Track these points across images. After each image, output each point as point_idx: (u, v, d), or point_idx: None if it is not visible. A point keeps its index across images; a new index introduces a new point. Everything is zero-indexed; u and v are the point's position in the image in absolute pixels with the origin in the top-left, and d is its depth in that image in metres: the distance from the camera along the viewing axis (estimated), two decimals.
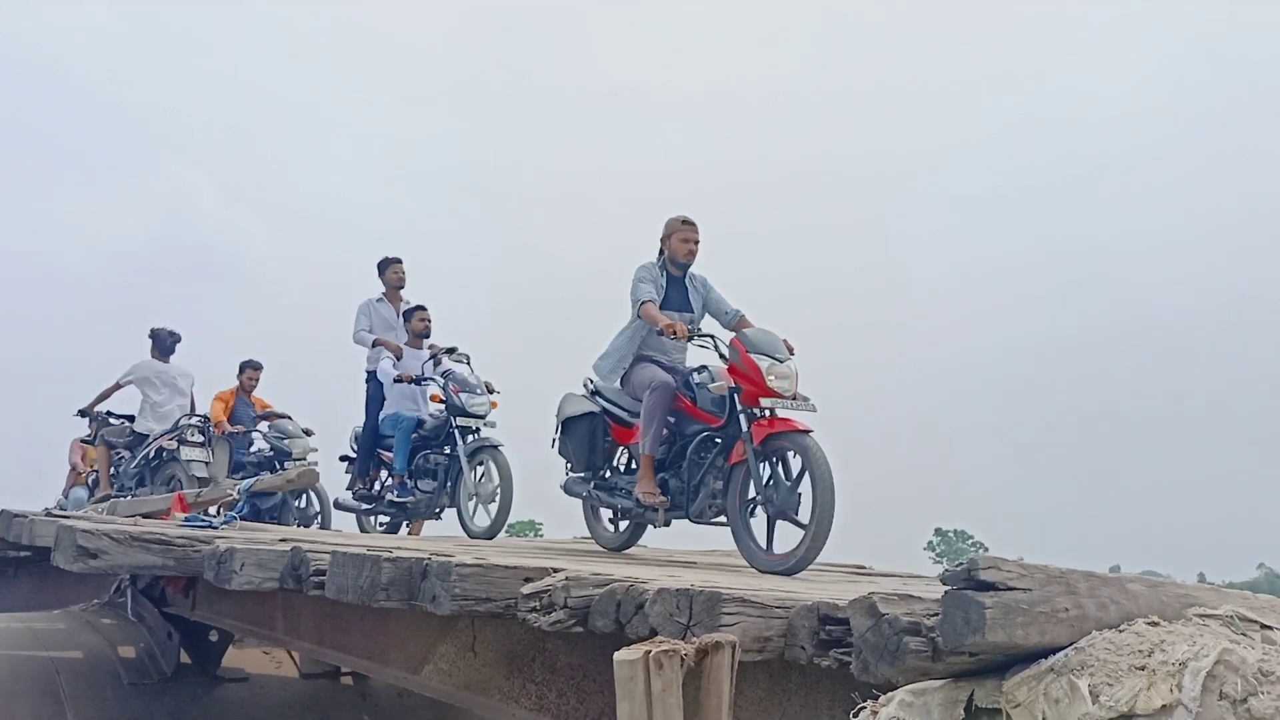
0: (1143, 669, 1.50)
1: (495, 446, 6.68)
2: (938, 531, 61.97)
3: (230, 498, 6.26)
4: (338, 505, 7.99)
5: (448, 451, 6.76)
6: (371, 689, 6.49)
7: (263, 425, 8.76)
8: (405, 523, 7.25)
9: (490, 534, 6.51)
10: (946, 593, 1.56)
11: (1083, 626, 1.60)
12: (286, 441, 8.30)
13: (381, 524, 7.44)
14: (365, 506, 7.33)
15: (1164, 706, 1.43)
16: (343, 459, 7.54)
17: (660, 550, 6.44)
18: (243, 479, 7.49)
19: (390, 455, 7.08)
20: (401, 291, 7.54)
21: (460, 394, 6.81)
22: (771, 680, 2.42)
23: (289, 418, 8.72)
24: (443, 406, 6.89)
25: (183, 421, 8.18)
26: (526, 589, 2.60)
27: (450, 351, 7.22)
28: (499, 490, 6.54)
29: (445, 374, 7.01)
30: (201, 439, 8.01)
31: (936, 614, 1.60)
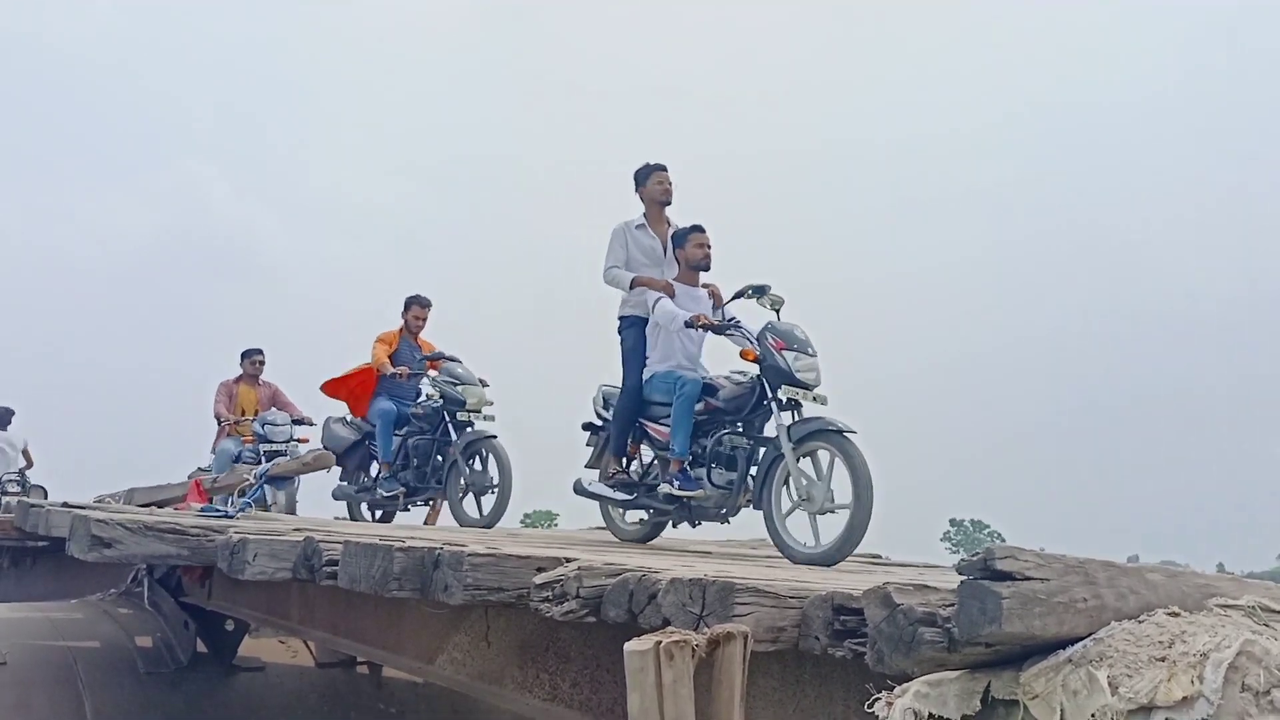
0: (1163, 660, 1.47)
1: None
2: (953, 521, 61.87)
3: (246, 483, 6.28)
4: (335, 495, 8.02)
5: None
6: (387, 678, 6.51)
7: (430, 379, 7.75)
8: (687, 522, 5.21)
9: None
10: (962, 583, 1.54)
11: (1101, 617, 1.58)
12: (460, 388, 7.03)
13: (640, 523, 5.61)
14: (621, 497, 5.36)
15: (1185, 698, 1.41)
16: (587, 427, 5.78)
17: (675, 540, 6.44)
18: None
19: (659, 427, 5.22)
20: (667, 209, 5.69)
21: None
22: (785, 671, 2.40)
23: (458, 360, 7.50)
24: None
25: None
26: (539, 579, 2.59)
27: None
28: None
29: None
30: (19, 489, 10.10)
31: (952, 604, 1.58)
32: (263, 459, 7.77)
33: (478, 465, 6.81)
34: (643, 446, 5.40)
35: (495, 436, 6.67)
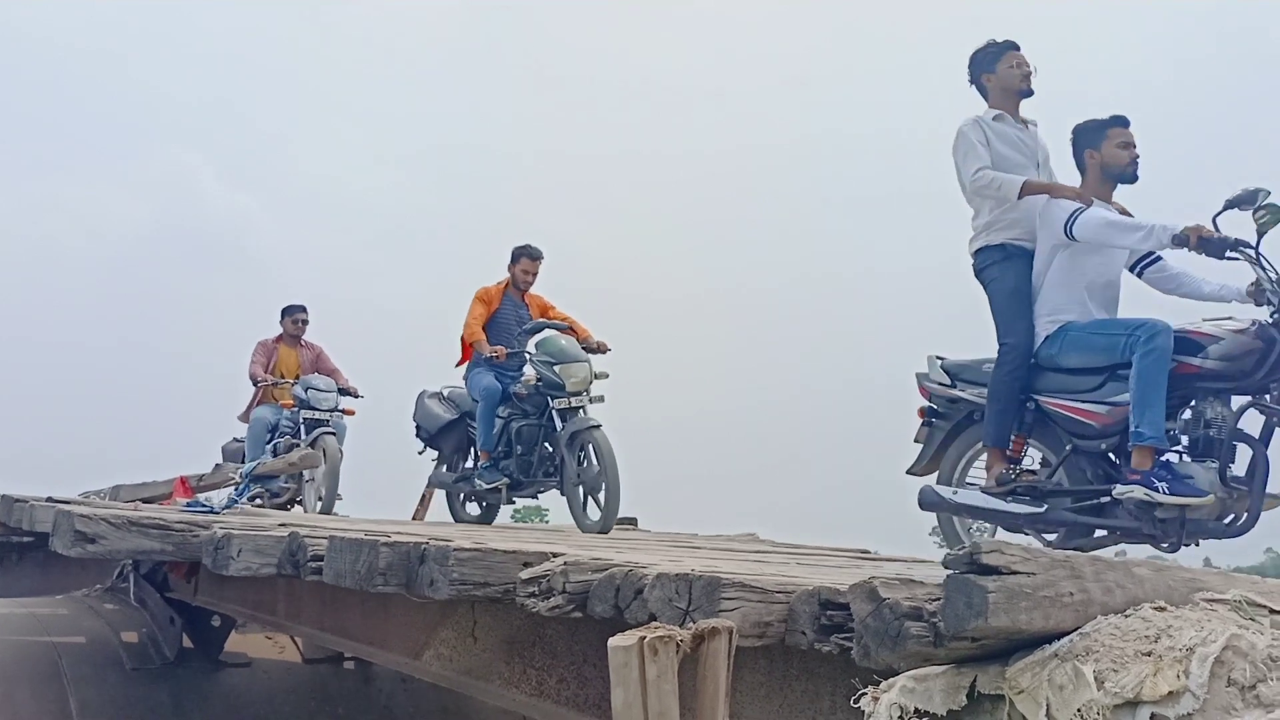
0: (1149, 655, 1.47)
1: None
2: None
3: (233, 481, 6.25)
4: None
5: None
6: (374, 674, 6.48)
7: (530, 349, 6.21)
8: None
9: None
10: (949, 577, 1.53)
11: (1088, 611, 1.57)
12: (558, 368, 5.81)
13: None
14: (1025, 510, 3.79)
15: (1171, 693, 1.40)
16: (930, 415, 4.33)
17: (665, 534, 6.43)
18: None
19: (1072, 404, 3.82)
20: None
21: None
22: (772, 666, 2.39)
23: (569, 329, 6.25)
24: None
25: None
26: (525, 574, 2.57)
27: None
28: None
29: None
30: None
31: (938, 599, 1.57)
32: (302, 429, 7.04)
33: (584, 460, 5.69)
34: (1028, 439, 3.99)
35: (598, 426, 5.62)
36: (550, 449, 5.99)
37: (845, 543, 6.05)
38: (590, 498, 5.63)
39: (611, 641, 1.61)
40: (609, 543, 4.77)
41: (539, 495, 6.40)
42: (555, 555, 2.65)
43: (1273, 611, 1.64)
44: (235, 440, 8.02)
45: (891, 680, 1.68)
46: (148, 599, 6.57)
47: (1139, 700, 1.42)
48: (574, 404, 5.75)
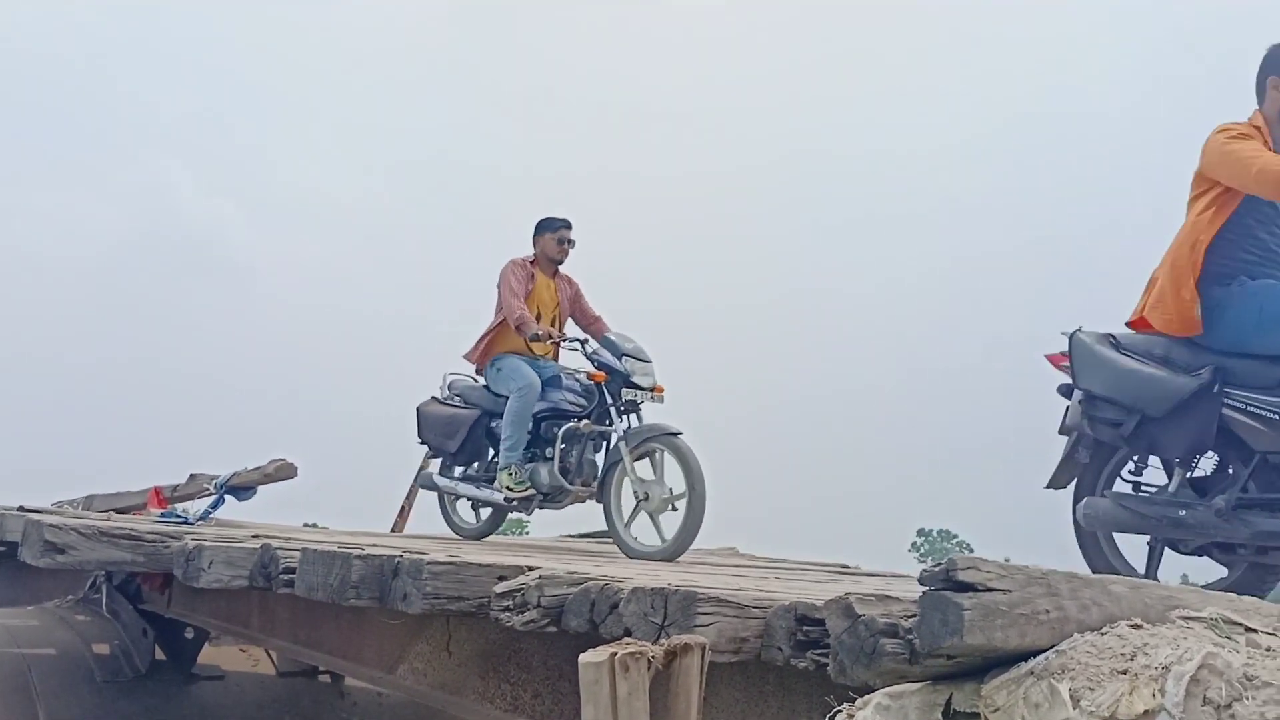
0: (1125, 673, 1.46)
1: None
2: (921, 532, 62.27)
3: (207, 492, 6.18)
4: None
5: None
6: (349, 688, 6.42)
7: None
8: None
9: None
10: (924, 593, 1.52)
11: (1064, 629, 1.56)
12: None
13: None
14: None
15: (1146, 712, 1.39)
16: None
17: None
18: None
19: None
20: None
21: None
22: (748, 682, 2.37)
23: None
24: None
25: None
26: (499, 588, 2.55)
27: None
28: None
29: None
30: None
31: (914, 615, 1.55)
32: (613, 412, 5.05)
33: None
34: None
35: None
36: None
37: (828, 558, 6.04)
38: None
39: (582, 658, 1.59)
40: (585, 557, 4.74)
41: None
42: (531, 569, 2.63)
43: (1248, 629, 1.63)
44: (453, 376, 5.97)
45: (867, 698, 1.66)
46: (120, 610, 6.49)
47: (1115, 718, 1.40)
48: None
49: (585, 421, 5.13)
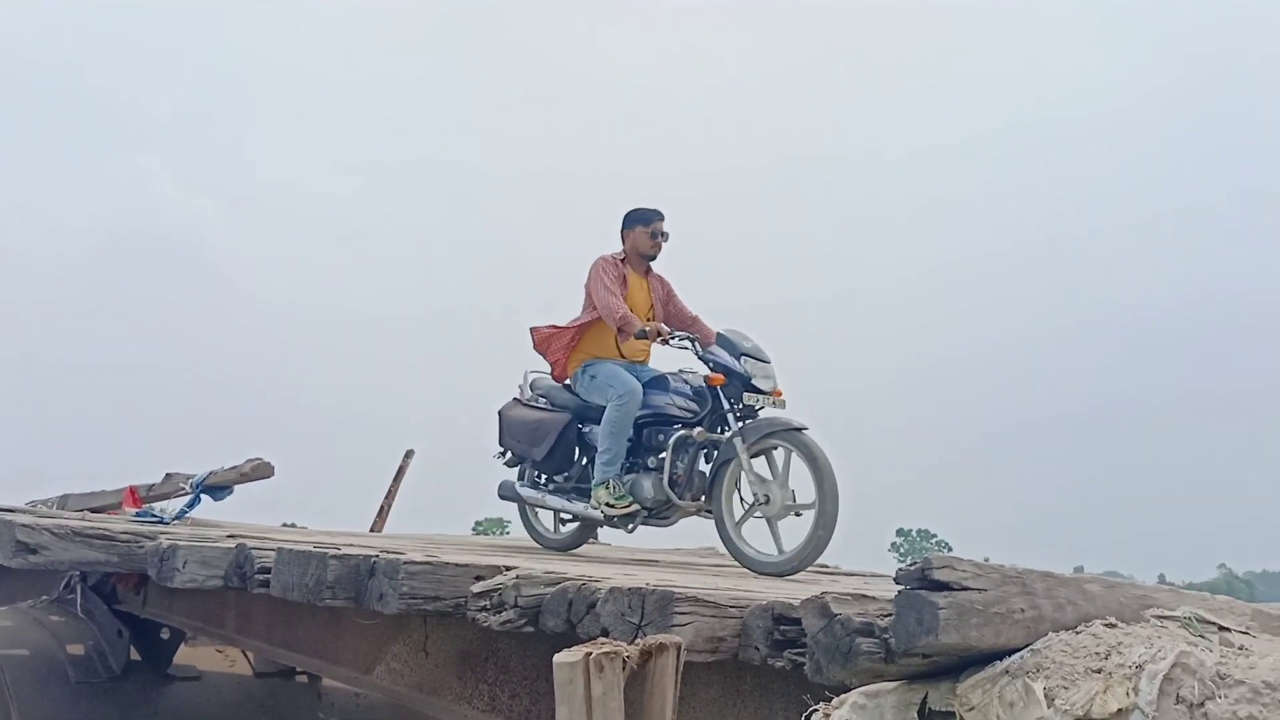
0: (1099, 671, 1.46)
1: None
2: (900, 531, 62.51)
3: (183, 491, 6.13)
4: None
5: None
6: (326, 688, 6.38)
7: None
8: None
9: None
10: (900, 593, 1.52)
11: (1039, 628, 1.56)
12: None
13: None
14: None
15: (1120, 710, 1.39)
16: None
17: (623, 549, 6.39)
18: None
19: None
20: None
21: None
22: (726, 681, 2.37)
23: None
24: None
25: None
26: (476, 587, 2.54)
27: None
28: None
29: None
30: None
31: (890, 614, 1.55)
32: (730, 418, 4.44)
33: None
34: None
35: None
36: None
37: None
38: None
39: (556, 658, 1.58)
40: (564, 557, 4.73)
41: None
42: (508, 568, 2.62)
43: (1222, 629, 1.64)
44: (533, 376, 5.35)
45: (843, 697, 1.66)
46: (95, 611, 6.42)
47: (1089, 717, 1.41)
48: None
49: (699, 429, 4.51)
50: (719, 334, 4.67)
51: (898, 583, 1.54)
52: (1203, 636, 1.59)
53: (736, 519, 4.31)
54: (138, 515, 5.59)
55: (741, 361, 4.45)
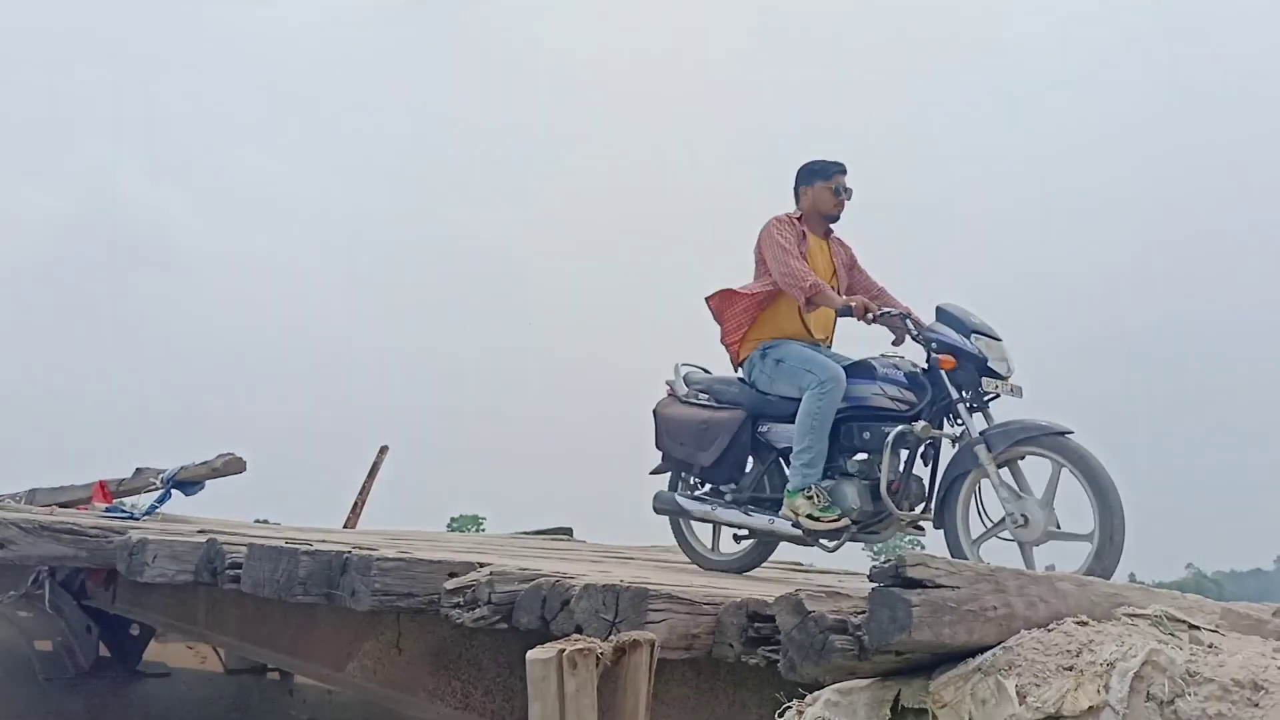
0: (1070, 669, 1.47)
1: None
2: None
3: (153, 486, 6.07)
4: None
5: None
6: (298, 685, 6.34)
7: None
8: None
9: None
10: (873, 590, 1.52)
11: (1011, 625, 1.57)
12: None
13: None
14: None
15: (1091, 708, 1.40)
16: None
17: (598, 546, 6.39)
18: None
19: None
20: None
21: None
22: (699, 678, 2.37)
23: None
24: None
25: None
26: (450, 584, 2.53)
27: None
28: None
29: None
30: None
31: (863, 612, 1.56)
32: (963, 409, 3.62)
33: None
34: None
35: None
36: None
37: (782, 556, 6.03)
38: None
39: (529, 654, 1.57)
40: (538, 553, 4.71)
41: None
42: (482, 565, 2.60)
43: (1192, 626, 1.65)
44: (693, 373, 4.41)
45: (816, 694, 1.66)
46: (64, 606, 6.35)
47: (1060, 715, 1.41)
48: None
49: (922, 424, 3.70)
50: (939, 308, 3.85)
51: (871, 580, 1.54)
52: (1173, 634, 1.60)
53: (974, 537, 3.55)
54: (107, 510, 5.53)
55: (972, 340, 3.69)
